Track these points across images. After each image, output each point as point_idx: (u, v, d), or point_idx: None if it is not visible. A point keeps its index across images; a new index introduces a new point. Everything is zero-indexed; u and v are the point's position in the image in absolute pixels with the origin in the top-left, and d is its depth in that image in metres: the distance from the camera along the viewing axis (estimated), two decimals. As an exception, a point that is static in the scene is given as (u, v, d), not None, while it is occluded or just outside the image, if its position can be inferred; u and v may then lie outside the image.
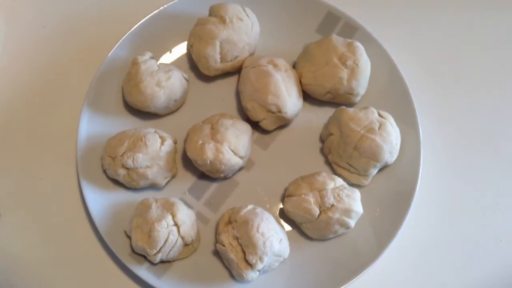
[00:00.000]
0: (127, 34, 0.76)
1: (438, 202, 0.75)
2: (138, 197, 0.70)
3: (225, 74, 0.77)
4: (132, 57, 0.73)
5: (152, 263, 0.67)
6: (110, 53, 0.75)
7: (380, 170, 0.72)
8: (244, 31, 0.73)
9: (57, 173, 0.74)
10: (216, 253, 0.68)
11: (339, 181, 0.68)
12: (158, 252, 0.64)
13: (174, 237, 0.64)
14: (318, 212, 0.66)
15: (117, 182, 0.71)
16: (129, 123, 0.74)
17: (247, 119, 0.74)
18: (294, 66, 0.76)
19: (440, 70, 0.82)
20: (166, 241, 0.64)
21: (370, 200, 0.71)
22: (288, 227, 0.71)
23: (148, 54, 0.73)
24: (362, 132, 0.68)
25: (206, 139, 0.68)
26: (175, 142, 0.72)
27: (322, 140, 0.75)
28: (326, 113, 0.75)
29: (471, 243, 0.74)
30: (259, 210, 0.66)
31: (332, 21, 0.79)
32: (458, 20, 0.86)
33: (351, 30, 0.78)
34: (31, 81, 0.80)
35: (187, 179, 0.73)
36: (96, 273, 0.70)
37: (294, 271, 0.68)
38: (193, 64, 0.77)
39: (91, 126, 0.73)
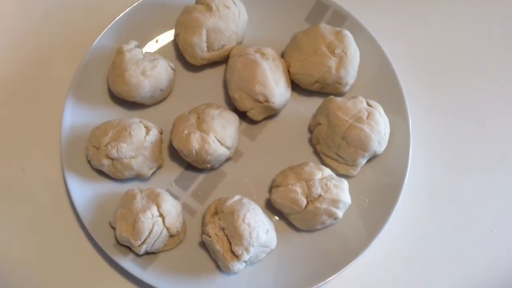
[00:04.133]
0: (112, 22, 0.75)
1: (428, 192, 0.75)
2: (123, 188, 0.69)
3: (213, 63, 0.76)
4: (117, 46, 0.72)
5: (137, 255, 0.66)
6: (95, 42, 0.74)
7: (369, 160, 0.72)
8: (231, 19, 0.72)
9: (41, 163, 0.73)
10: (203, 245, 0.67)
11: (327, 171, 0.68)
12: (143, 243, 0.63)
13: (159, 228, 0.64)
14: (305, 202, 0.65)
15: (102, 173, 0.70)
16: (115, 113, 0.73)
17: (235, 109, 0.73)
18: (282, 56, 0.75)
19: (431, 60, 0.82)
20: (150, 232, 0.63)
21: (359, 190, 0.70)
22: (275, 218, 0.70)
23: (133, 43, 0.72)
24: (350, 121, 0.67)
25: (192, 129, 0.67)
26: (161, 132, 0.71)
27: (310, 130, 0.74)
28: (315, 103, 0.74)
29: (461, 234, 0.73)
30: (245, 200, 0.65)
31: (322, 10, 0.77)
32: (449, 10, 0.85)
33: (340, 19, 0.77)
34: (15, 70, 0.78)
35: (174, 170, 0.72)
36: (81, 264, 0.69)
37: (281, 262, 0.68)
38: (179, 53, 0.76)
39: (75, 116, 0.72)
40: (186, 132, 0.67)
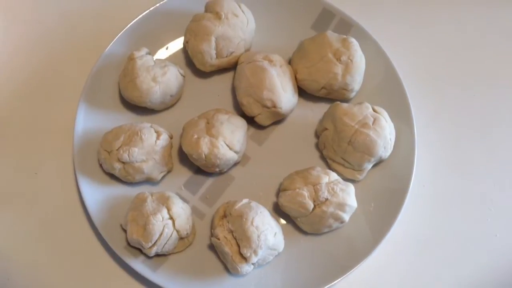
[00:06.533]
0: (124, 30, 0.76)
1: (433, 197, 0.76)
2: (134, 191, 0.70)
3: (221, 70, 0.77)
4: (129, 52, 0.73)
5: (147, 256, 0.67)
6: (107, 48, 0.75)
7: (375, 165, 0.73)
8: (240, 27, 0.74)
9: (54, 167, 0.75)
10: (212, 247, 0.69)
11: (334, 176, 0.69)
12: (153, 245, 0.64)
13: (169, 230, 0.65)
14: (312, 206, 0.66)
15: (113, 176, 0.71)
16: (126, 118, 0.75)
17: (243, 114, 0.74)
18: (289, 63, 0.77)
19: (435, 67, 0.83)
20: (161, 234, 0.64)
21: (365, 194, 0.71)
22: (283, 222, 0.71)
23: (144, 50, 0.74)
24: (356, 127, 0.68)
25: (201, 133, 0.69)
26: (171, 137, 0.72)
27: (317, 135, 0.76)
28: (322, 108, 0.75)
29: (465, 238, 0.74)
30: (254, 204, 0.67)
31: (328, 18, 0.79)
32: (453, 16, 0.86)
33: (346, 26, 0.78)
34: (28, 76, 0.80)
35: (183, 174, 0.73)
36: (92, 266, 0.71)
37: (288, 265, 0.69)
38: (189, 60, 0.77)
39: (87, 121, 0.73)
40: (195, 136, 0.68)
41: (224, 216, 0.67)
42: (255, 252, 0.63)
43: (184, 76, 0.76)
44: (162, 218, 0.65)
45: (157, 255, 0.67)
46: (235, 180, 0.73)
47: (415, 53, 0.83)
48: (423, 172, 0.75)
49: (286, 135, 0.76)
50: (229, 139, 0.69)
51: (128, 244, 0.67)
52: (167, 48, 0.79)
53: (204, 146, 0.67)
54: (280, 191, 0.69)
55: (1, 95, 0.79)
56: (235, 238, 0.64)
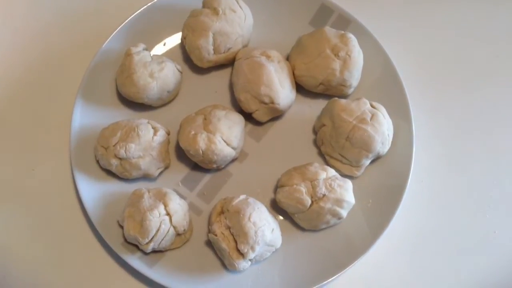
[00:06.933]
0: (121, 25, 0.76)
1: (431, 194, 0.75)
2: (131, 187, 0.70)
3: (219, 66, 0.77)
4: (126, 48, 0.73)
5: (144, 253, 0.67)
6: (104, 44, 0.75)
7: (373, 161, 0.72)
8: (237, 23, 0.74)
9: (50, 163, 0.75)
10: (209, 244, 0.68)
11: (331, 172, 0.69)
12: (150, 241, 0.64)
13: (166, 226, 0.65)
14: (309, 202, 0.66)
15: (110, 173, 0.71)
16: (123, 114, 0.75)
17: (241, 110, 0.74)
18: (287, 59, 0.77)
19: (434, 63, 0.83)
20: (158, 230, 0.64)
21: (363, 191, 0.71)
22: (280, 218, 0.71)
23: (141, 46, 0.74)
24: (354, 122, 0.68)
25: (198, 129, 0.68)
26: (168, 133, 0.72)
27: (315, 131, 0.75)
28: (320, 105, 0.75)
29: (464, 235, 0.74)
30: (251, 200, 0.66)
31: (326, 14, 0.79)
32: (452, 13, 0.86)
33: (344, 22, 0.78)
34: (25, 72, 0.80)
35: (180, 170, 0.73)
36: (89, 263, 0.70)
37: (286, 261, 0.69)
38: (187, 56, 0.77)
39: (84, 117, 0.73)
40: (193, 132, 0.68)
41: (222, 212, 0.66)
42: (253, 248, 0.63)
43: (181, 72, 0.76)
44: (159, 214, 0.64)
45: (154, 251, 0.67)
46: (232, 177, 0.73)
47: (414, 49, 0.83)
48: (421, 168, 0.74)
49: (284, 132, 0.75)
50: (227, 135, 0.69)
51: (125, 240, 0.67)
52: (164, 44, 0.79)
53: (201, 142, 0.67)
54: (277, 187, 0.69)
55: (-2, 92, 0.79)
56: (232, 234, 0.64)
